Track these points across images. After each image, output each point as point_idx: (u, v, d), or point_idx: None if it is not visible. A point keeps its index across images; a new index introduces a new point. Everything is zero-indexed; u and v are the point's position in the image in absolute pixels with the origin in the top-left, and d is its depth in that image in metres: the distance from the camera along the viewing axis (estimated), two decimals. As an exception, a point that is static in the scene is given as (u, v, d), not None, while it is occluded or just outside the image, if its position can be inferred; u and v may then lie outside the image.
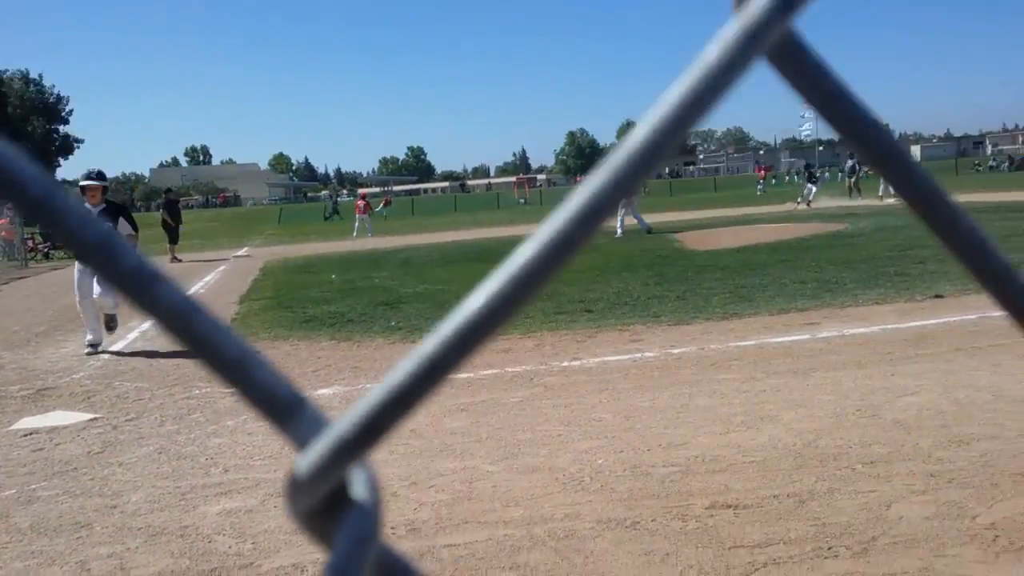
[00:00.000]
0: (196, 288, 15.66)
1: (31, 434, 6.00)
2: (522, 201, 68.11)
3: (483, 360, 7.33)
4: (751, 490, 4.08)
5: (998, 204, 21.79)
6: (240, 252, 26.48)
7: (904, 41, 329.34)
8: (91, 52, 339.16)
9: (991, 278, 0.31)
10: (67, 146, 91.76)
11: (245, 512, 4.28)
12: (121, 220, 9.14)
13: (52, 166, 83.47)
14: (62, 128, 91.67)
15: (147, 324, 10.85)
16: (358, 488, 0.26)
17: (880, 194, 29.62)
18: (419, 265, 16.71)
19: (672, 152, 0.27)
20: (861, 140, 0.29)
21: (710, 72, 0.26)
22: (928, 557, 3.27)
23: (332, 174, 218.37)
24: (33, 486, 4.87)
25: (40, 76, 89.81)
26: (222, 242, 33.02)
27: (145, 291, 0.26)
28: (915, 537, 3.45)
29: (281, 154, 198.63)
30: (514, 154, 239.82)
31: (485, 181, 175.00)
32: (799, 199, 30.61)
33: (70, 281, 9.28)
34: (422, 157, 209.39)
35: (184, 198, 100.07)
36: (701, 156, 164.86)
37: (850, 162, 34.49)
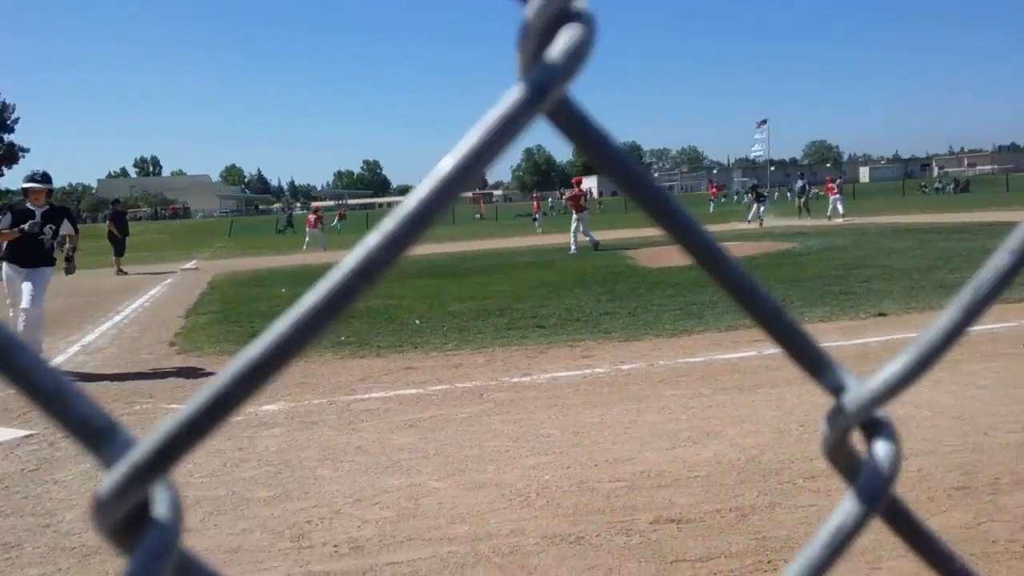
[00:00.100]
0: (141, 302, 15.36)
1: (-38, 451, 5.80)
2: (478, 216, 68.16)
3: (433, 376, 7.31)
4: (695, 505, 4.11)
5: (942, 226, 22.39)
6: (188, 265, 26.05)
7: (854, 66, 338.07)
8: (38, 60, 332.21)
9: (759, 315, 0.34)
10: (12, 155, 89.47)
11: (184, 531, 4.18)
12: (64, 222, 8.93)
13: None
14: (7, 137, 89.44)
15: (89, 338, 10.60)
16: (158, 506, 0.27)
17: (828, 215, 30.33)
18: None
19: (449, 206, 0.28)
20: (631, 184, 0.31)
21: (493, 132, 0.28)
22: (865, 570, 3.32)
23: (286, 187, 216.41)
24: (-38, 505, 4.70)
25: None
26: (170, 255, 32.46)
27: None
28: (853, 550, 3.48)
29: (233, 166, 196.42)
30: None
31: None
32: (748, 218, 31.11)
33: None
34: (378, 171, 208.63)
35: (132, 209, 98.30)
36: (656, 174, 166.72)
37: (800, 183, 35.26)
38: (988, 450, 4.55)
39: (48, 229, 8.63)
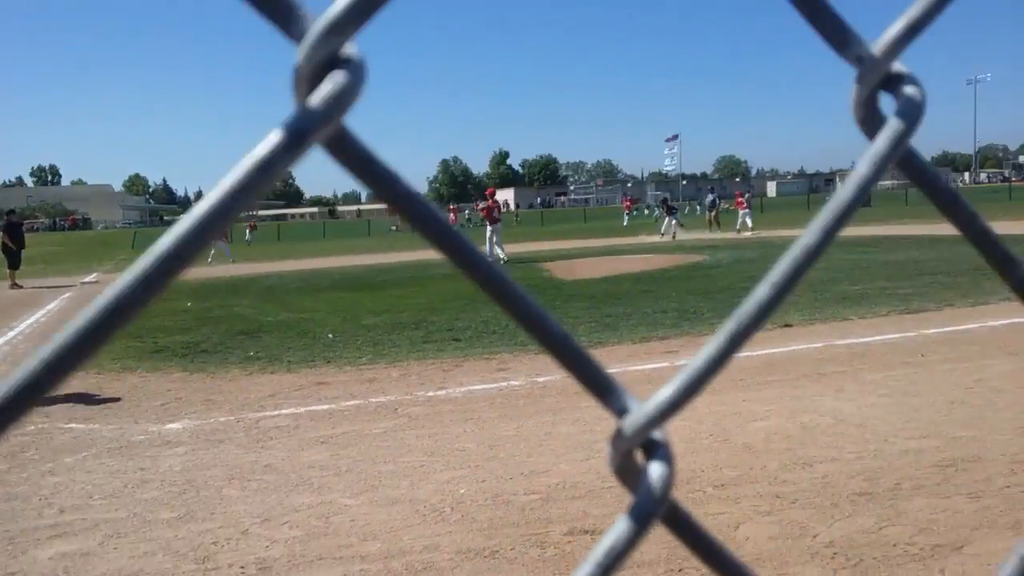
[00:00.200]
0: (37, 317, 14.65)
1: None
2: (394, 228, 67.72)
3: (346, 391, 7.18)
4: (608, 515, 4.13)
5: (844, 239, 23.24)
6: (88, 278, 24.98)
7: (761, 82, 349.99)
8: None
9: (547, 342, 0.36)
10: None
11: (81, 555, 3.98)
12: None
13: None
14: None
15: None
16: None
17: (737, 228, 31.22)
18: (283, 293, 16.26)
19: (205, 247, 0.27)
20: (410, 210, 0.33)
21: (249, 176, 0.29)
22: (772, 576, 3.39)
23: (192, 197, 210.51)
24: None
25: None
26: (69, 267, 31.10)
27: None
28: (761, 556, 3.57)
29: (137, 175, 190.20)
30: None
31: (355, 208, 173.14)
32: (662, 230, 31.75)
33: None
34: (290, 182, 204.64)
35: (28, 220, 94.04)
36: (572, 187, 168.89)
37: (710, 197, 36.19)
38: (888, 456, 4.72)
39: None
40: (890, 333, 8.28)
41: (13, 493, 4.94)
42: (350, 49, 0.29)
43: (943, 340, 7.90)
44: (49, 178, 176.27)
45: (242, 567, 3.77)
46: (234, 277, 21.24)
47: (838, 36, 0.37)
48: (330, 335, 10.15)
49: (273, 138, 0.28)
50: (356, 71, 0.29)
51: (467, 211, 63.48)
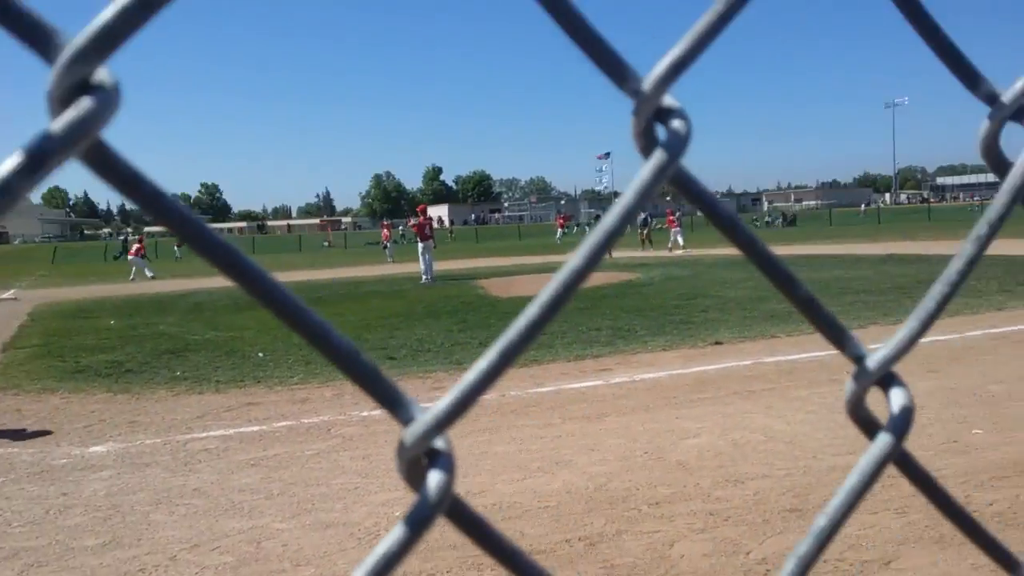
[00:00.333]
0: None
1: None
2: (326, 244, 66.92)
3: (277, 412, 7.04)
4: (544, 535, 4.13)
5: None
6: (5, 295, 24.00)
7: (689, 102, 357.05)
8: None
9: (334, 358, 0.36)
10: None
11: (-6, 589, 3.80)
12: None
13: None
14: None
15: None
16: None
17: (669, 246, 31.76)
18: (211, 311, 15.86)
19: None
20: (181, 226, 0.33)
21: (5, 183, 0.29)
22: None
23: (115, 210, 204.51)
24: None
25: None
26: (-14, 283, 29.87)
27: None
28: (696, 574, 3.61)
29: (56, 187, 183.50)
30: (317, 195, 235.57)
31: (285, 223, 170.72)
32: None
33: None
34: (217, 195, 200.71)
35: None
36: (506, 204, 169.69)
37: (642, 215, 36.71)
38: (817, 472, 4.83)
39: None
40: (816, 351, 8.50)
41: (-78, 522, 4.70)
42: (102, 74, 0.30)
43: (866, 357, 8.14)
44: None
45: (169, 596, 3.64)
46: (160, 294, 20.68)
47: (617, 72, 0.39)
48: (260, 354, 9.95)
49: (12, 161, 0.29)
50: (106, 97, 0.30)
51: (400, 227, 63.07)
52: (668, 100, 0.39)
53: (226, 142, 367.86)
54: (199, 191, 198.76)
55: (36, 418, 7.20)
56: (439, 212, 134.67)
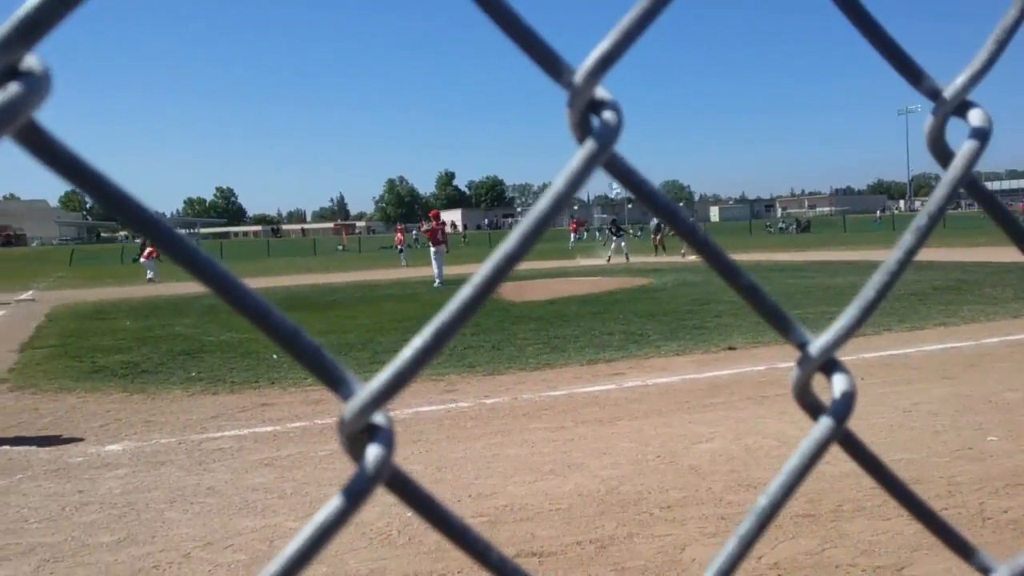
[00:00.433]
0: (-31, 334, 14.15)
1: None
2: (340, 248, 67.15)
3: (291, 412, 7.07)
4: (556, 537, 4.14)
5: (785, 264, 23.84)
6: (24, 296, 24.27)
7: (705, 109, 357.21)
8: None
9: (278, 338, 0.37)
10: None
11: (11, 584, 3.84)
12: None
13: None
14: None
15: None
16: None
17: (682, 252, 31.70)
18: (226, 312, 15.86)
19: None
20: (120, 208, 0.34)
21: None
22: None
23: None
24: None
25: None
26: (3, 285, 30.15)
27: None
28: None
29: (73, 191, 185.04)
30: (332, 199, 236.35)
31: (300, 226, 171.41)
32: (611, 252, 32.04)
33: None
34: (232, 199, 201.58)
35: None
36: (519, 209, 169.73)
37: (655, 221, 36.67)
38: (831, 478, 4.81)
39: None
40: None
41: (-60, 518, 4.75)
42: (31, 61, 0.31)
43: (881, 364, 8.11)
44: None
45: (183, 593, 3.67)
46: (175, 296, 20.82)
47: (551, 65, 0.40)
48: (274, 356, 10.00)
49: None
50: (34, 82, 0.31)
51: (413, 231, 63.20)
52: (600, 92, 0.41)
53: (242, 146, 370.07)
54: (215, 195, 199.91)
55: (53, 417, 7.27)
56: (452, 217, 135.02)
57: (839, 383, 0.49)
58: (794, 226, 69.32)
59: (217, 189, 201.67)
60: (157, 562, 4.02)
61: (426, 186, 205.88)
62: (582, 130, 0.40)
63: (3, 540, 4.37)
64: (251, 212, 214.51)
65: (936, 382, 7.22)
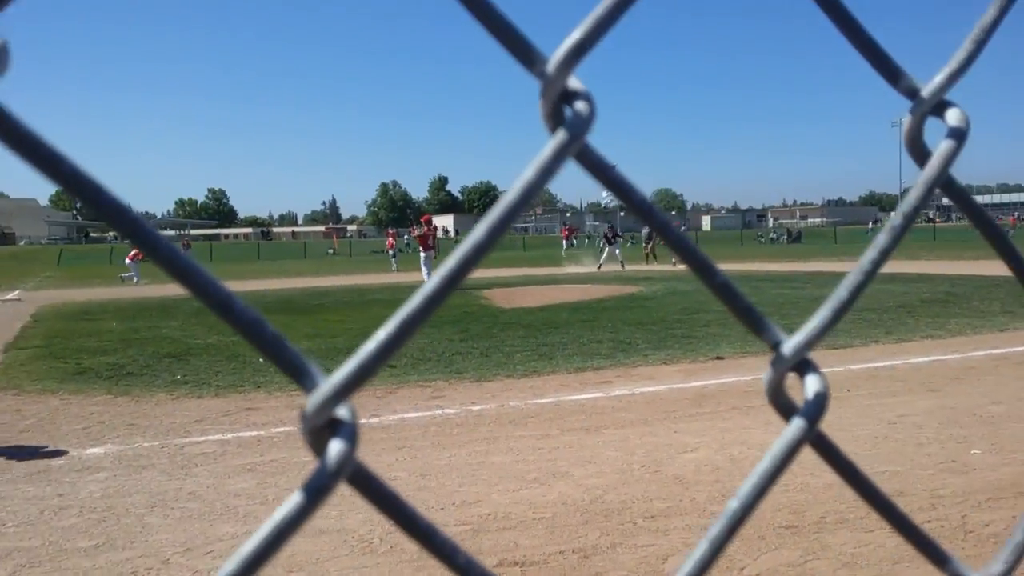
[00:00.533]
0: (-47, 333, 14.05)
1: None
2: (331, 252, 67.04)
3: (276, 417, 7.04)
4: (539, 546, 4.12)
5: (775, 274, 23.90)
6: (10, 296, 24.11)
7: (697, 118, 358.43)
8: None
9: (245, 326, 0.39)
10: None
11: (-13, 588, 3.80)
12: None
13: None
14: None
15: None
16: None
17: (673, 260, 31.75)
18: (213, 315, 15.87)
19: None
20: (85, 192, 0.34)
21: None
22: None
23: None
24: None
25: None
26: (-9, 283, 29.97)
27: None
28: None
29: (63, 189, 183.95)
30: (324, 202, 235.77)
31: (290, 229, 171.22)
32: (602, 260, 32.07)
33: None
34: (224, 200, 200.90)
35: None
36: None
37: (646, 229, 36.73)
38: (814, 490, 4.81)
39: None
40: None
41: (-83, 520, 4.70)
42: None
43: (868, 376, 8.13)
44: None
45: (161, 600, 3.64)
46: (163, 298, 20.72)
47: (524, 55, 0.40)
48: (260, 359, 9.95)
49: None
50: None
51: (405, 236, 63.14)
52: (573, 82, 0.40)
53: (235, 148, 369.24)
54: (206, 196, 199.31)
55: (35, 419, 7.22)
56: (445, 222, 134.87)
57: (812, 384, 0.48)
58: (785, 236, 69.55)
59: (209, 190, 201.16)
60: (135, 568, 3.99)
61: (419, 191, 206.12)
62: (554, 120, 0.40)
63: (-20, 543, 4.32)
64: (242, 214, 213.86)
65: (922, 394, 7.23)
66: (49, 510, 4.83)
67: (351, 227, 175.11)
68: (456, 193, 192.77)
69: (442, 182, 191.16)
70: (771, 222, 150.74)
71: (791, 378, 0.49)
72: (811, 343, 0.49)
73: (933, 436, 5.89)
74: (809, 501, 4.63)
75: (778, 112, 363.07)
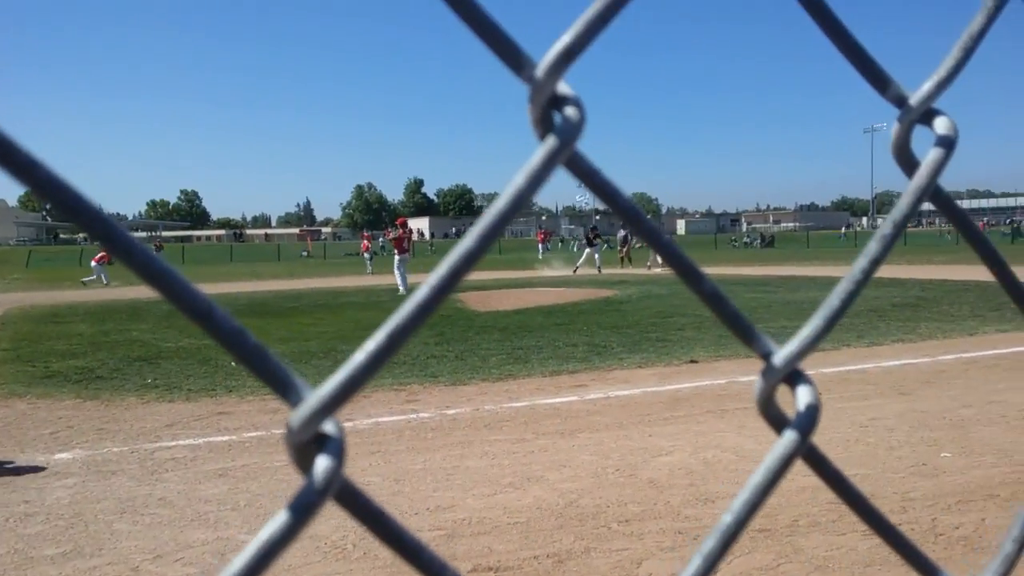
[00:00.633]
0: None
1: None
2: (305, 254, 66.61)
3: (248, 422, 6.97)
4: (513, 552, 4.10)
5: (749, 278, 24.07)
6: (-22, 297, 23.69)
7: (673, 123, 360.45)
8: None
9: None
10: None
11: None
12: None
13: None
14: None
15: None
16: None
17: (648, 264, 31.88)
18: (184, 318, 15.67)
19: None
20: (63, 201, 0.32)
21: None
22: None
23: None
24: None
25: None
26: (-43, 285, 29.45)
27: None
28: None
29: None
30: (298, 204, 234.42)
31: (263, 231, 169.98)
32: (579, 263, 32.08)
33: None
34: (196, 202, 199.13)
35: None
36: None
37: (622, 233, 36.87)
38: (787, 493, 4.83)
39: None
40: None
41: None
42: None
43: (839, 379, 8.20)
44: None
45: (129, 608, 3.58)
46: (133, 300, 20.46)
47: (513, 59, 0.39)
48: (232, 363, 9.85)
49: None
50: None
51: (380, 238, 62.88)
52: (562, 88, 0.39)
53: (208, 149, 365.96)
54: (178, 197, 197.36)
55: (2, 423, 7.09)
56: (420, 224, 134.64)
57: (803, 395, 0.48)
58: (758, 241, 70.10)
59: (181, 191, 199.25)
60: (104, 575, 3.92)
61: (395, 193, 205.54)
62: (543, 126, 0.39)
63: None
64: (215, 216, 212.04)
65: (892, 398, 7.31)
66: (15, 517, 4.75)
67: (326, 229, 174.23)
68: (432, 196, 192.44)
69: (417, 185, 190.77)
70: (745, 226, 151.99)
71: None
72: (803, 353, 0.48)
73: (904, 439, 5.95)
74: (782, 504, 4.65)
75: (752, 117, 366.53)
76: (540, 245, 54.09)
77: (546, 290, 21.27)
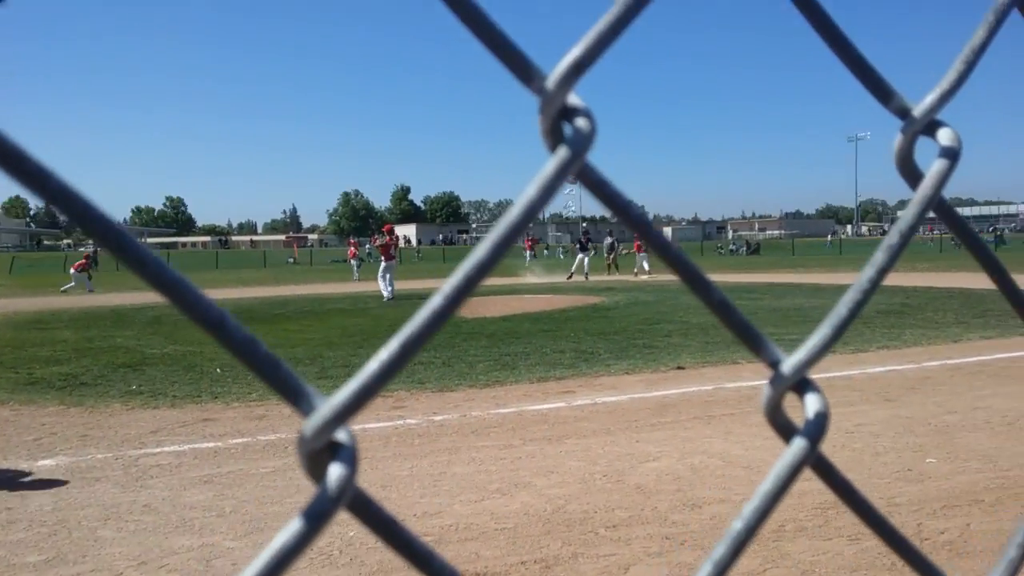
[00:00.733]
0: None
1: None
2: (291, 260, 66.41)
3: (233, 428, 6.93)
4: (500, 557, 4.09)
5: (735, 285, 24.15)
6: (-40, 303, 23.46)
7: (659, 131, 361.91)
8: None
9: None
10: None
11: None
12: None
13: None
14: None
15: None
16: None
17: (635, 271, 31.95)
18: (169, 324, 15.57)
19: None
20: (62, 200, 0.33)
21: None
22: None
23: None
24: None
25: None
26: (-61, 291, 29.17)
27: None
28: None
29: (17, 197, 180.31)
30: (284, 211, 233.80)
31: (249, 238, 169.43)
32: (572, 270, 32.07)
33: None
34: (182, 208, 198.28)
35: None
36: (475, 225, 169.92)
37: (609, 240, 36.92)
38: (772, 497, 4.84)
39: None
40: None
41: None
42: None
43: (825, 385, 8.15)
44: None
45: (113, 615, 3.55)
46: (118, 307, 20.34)
47: (523, 71, 0.39)
48: (218, 369, 9.80)
49: None
50: None
51: (367, 245, 62.74)
52: (573, 99, 0.40)
53: (193, 156, 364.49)
54: (164, 204, 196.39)
55: (-17, 430, 7.02)
56: (407, 231, 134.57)
57: (812, 403, 0.48)
58: (744, 248, 70.37)
59: (167, 198, 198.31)
60: (87, 583, 3.88)
61: (382, 200, 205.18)
62: (554, 137, 0.39)
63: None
64: (201, 222, 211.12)
65: (878, 404, 7.35)
66: (-3, 524, 4.70)
67: (312, 236, 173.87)
68: (419, 203, 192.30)
69: (404, 192, 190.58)
70: (731, 234, 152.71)
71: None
72: (811, 362, 0.48)
73: (889, 445, 5.98)
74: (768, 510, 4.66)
75: (738, 126, 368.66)
76: (527, 252, 54.12)
77: (533, 297, 21.28)
